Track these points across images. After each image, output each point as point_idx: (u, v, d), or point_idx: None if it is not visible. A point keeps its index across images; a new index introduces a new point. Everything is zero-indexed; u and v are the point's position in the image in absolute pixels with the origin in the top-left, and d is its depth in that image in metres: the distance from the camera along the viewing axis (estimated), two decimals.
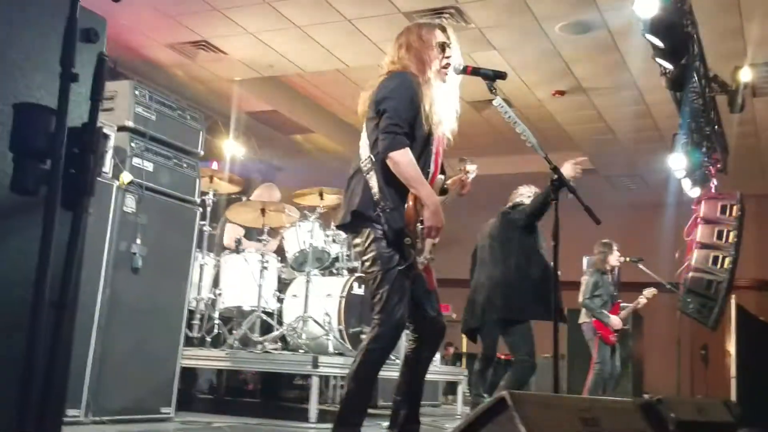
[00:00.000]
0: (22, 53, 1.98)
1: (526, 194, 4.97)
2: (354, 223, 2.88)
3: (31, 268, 1.56)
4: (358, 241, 2.90)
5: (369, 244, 2.82)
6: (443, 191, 3.14)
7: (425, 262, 2.90)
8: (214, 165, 7.96)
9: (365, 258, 2.85)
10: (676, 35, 4.70)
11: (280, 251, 5.80)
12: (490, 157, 10.15)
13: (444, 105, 2.97)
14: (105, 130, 2.40)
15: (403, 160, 2.77)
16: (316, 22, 6.69)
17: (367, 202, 2.83)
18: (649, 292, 6.99)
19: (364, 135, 2.93)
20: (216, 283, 5.43)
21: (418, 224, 2.81)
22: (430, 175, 2.96)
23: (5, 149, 1.73)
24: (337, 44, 7.17)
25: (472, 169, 3.35)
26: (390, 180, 2.81)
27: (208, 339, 5.14)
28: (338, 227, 3.05)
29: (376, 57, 7.19)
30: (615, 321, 6.48)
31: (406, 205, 2.79)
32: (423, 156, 2.91)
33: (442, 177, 3.11)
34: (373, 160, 2.84)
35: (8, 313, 1.82)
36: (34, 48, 1.99)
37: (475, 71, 3.06)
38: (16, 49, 1.96)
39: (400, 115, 2.82)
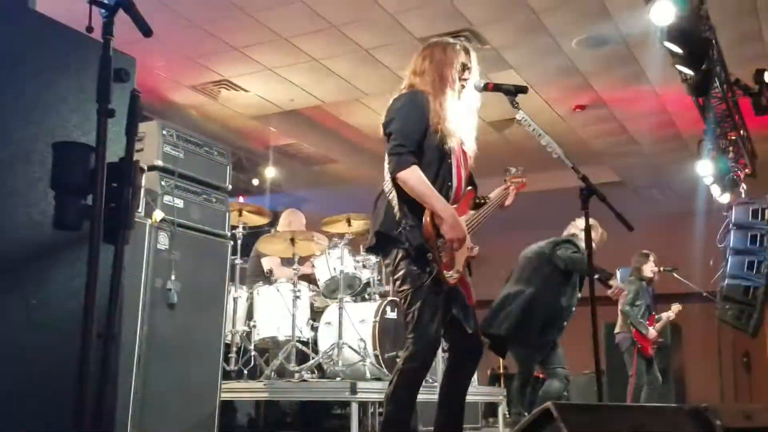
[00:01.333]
0: (56, 95, 2.05)
1: (579, 227, 4.99)
2: (380, 244, 2.89)
3: (77, 302, 1.60)
4: (387, 261, 2.91)
5: (398, 264, 2.83)
6: (479, 204, 3.13)
7: (456, 275, 2.87)
8: (241, 199, 8.06)
9: (396, 277, 2.86)
10: (694, 41, 4.70)
11: (311, 279, 5.82)
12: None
13: (460, 121, 2.96)
14: (141, 165, 2.45)
15: (411, 178, 2.77)
16: (334, 54, 6.79)
17: (390, 222, 2.84)
18: (675, 308, 6.90)
19: (386, 157, 2.95)
20: (250, 315, 5.46)
21: (440, 239, 2.79)
22: (454, 189, 2.94)
23: (46, 188, 1.78)
24: (354, 74, 7.27)
25: (517, 180, 3.37)
26: (407, 198, 2.81)
27: (246, 371, 5.16)
28: (366, 250, 3.09)
29: (394, 84, 7.19)
30: (653, 333, 6.39)
31: (424, 221, 2.78)
32: (441, 171, 2.90)
33: (471, 189, 3.10)
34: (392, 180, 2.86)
35: (58, 346, 1.86)
36: (69, 90, 2.06)
37: (497, 87, 3.09)
38: (52, 92, 2.03)
39: (405, 135, 2.82)
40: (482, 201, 3.15)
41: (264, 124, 8.69)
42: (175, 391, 3.83)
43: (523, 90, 3.12)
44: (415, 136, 2.84)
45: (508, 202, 3.23)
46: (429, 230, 2.77)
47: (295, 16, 6.06)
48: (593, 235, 5.03)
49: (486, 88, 3.10)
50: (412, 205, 2.81)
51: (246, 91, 7.69)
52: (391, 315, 5.31)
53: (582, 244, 4.64)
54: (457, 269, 2.89)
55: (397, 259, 2.83)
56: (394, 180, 2.82)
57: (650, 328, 6.41)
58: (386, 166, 2.92)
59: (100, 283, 1.60)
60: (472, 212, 3.09)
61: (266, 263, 5.92)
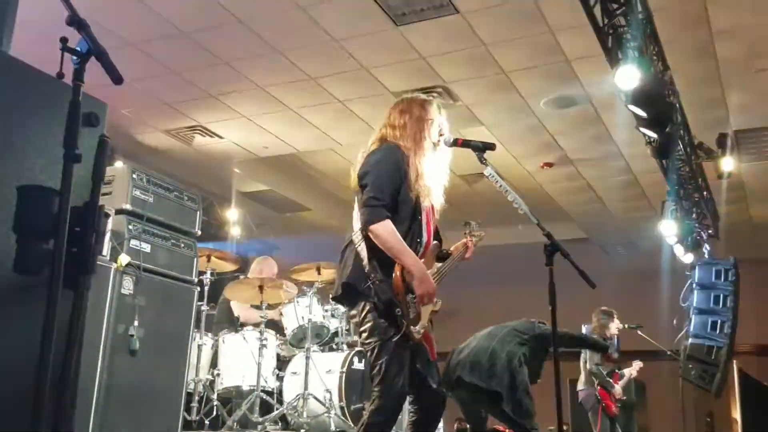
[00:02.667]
0: (24, 138, 2.06)
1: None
2: (347, 295, 2.88)
3: (34, 349, 1.58)
4: (354, 312, 2.91)
5: (364, 316, 2.82)
6: (442, 257, 3.17)
7: (422, 331, 2.88)
8: (211, 245, 8.01)
9: (362, 329, 2.85)
10: (658, 105, 4.86)
11: (277, 327, 5.77)
12: (483, 228, 10.25)
13: (433, 176, 3.01)
14: (106, 210, 2.43)
15: (383, 231, 2.78)
16: (309, 104, 6.88)
17: (358, 274, 2.83)
18: (636, 365, 6.95)
19: (356, 207, 2.97)
20: (214, 363, 5.38)
21: (409, 294, 2.81)
22: (423, 244, 2.98)
23: (8, 230, 1.77)
24: (330, 125, 7.36)
25: (477, 234, 3.41)
26: (377, 251, 2.82)
27: (207, 422, 5.05)
28: (333, 299, 3.05)
29: (368, 135, 7.32)
30: (618, 390, 6.42)
31: (394, 276, 2.79)
32: (412, 226, 2.93)
33: (437, 243, 3.14)
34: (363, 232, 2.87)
35: (11, 394, 1.82)
36: (36, 133, 2.07)
37: (466, 143, 3.16)
38: (19, 135, 2.03)
39: (379, 188, 2.84)
40: (446, 254, 3.19)
41: (237, 170, 8.72)
42: None
43: (491, 147, 3.20)
44: (390, 190, 2.87)
45: (468, 255, 3.26)
46: (399, 285, 2.78)
47: (272, 66, 6.15)
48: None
49: (456, 143, 3.18)
50: (382, 258, 2.81)
51: (220, 137, 7.73)
52: (359, 366, 5.27)
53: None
54: (423, 324, 2.90)
55: (365, 312, 2.82)
56: (365, 232, 2.83)
57: (615, 386, 6.44)
58: (355, 216, 2.95)
59: (60, 328, 1.59)
60: (437, 265, 3.14)
61: (236, 307, 5.87)
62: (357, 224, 2.92)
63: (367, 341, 2.82)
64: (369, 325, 2.80)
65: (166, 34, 5.73)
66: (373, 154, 2.99)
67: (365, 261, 2.82)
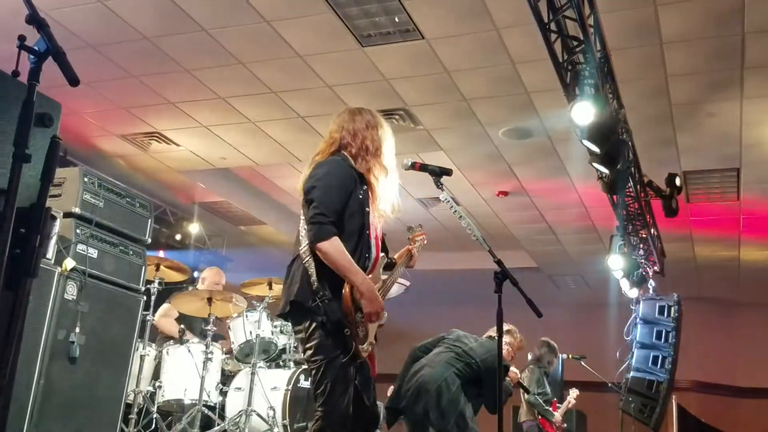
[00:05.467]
0: None
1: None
2: (294, 312, 2.82)
3: None
4: (299, 328, 2.83)
5: (311, 333, 2.76)
6: (388, 266, 3.16)
7: (369, 349, 2.87)
8: (162, 253, 7.89)
9: (308, 346, 2.78)
10: (611, 141, 4.98)
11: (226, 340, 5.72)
12: (438, 252, 10.33)
13: (382, 194, 2.99)
14: (53, 212, 2.39)
15: (331, 249, 2.73)
16: (270, 117, 6.87)
17: (306, 291, 2.77)
18: (573, 393, 7.05)
19: (302, 221, 2.90)
20: (156, 374, 5.28)
21: (358, 313, 2.78)
22: (372, 260, 2.95)
23: None
24: (289, 139, 7.34)
25: (419, 237, 3.43)
26: (326, 269, 2.76)
27: None
28: (279, 316, 2.96)
29: None
30: (558, 417, 6.49)
31: (343, 294, 2.75)
32: (360, 242, 2.89)
33: (384, 255, 3.13)
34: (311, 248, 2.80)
35: None
36: None
37: (423, 167, 3.21)
38: None
39: (326, 205, 2.78)
40: (392, 262, 3.20)
41: (193, 179, 8.62)
42: None
43: (447, 172, 3.25)
44: (337, 206, 2.81)
45: (412, 263, 3.26)
46: (348, 305, 2.75)
47: (234, 77, 6.13)
48: (511, 339, 5.13)
49: (413, 166, 3.22)
50: (330, 276, 2.77)
51: (177, 145, 7.65)
52: (305, 384, 5.23)
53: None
54: (370, 341, 2.89)
55: (311, 329, 2.76)
56: (312, 249, 2.78)
57: (555, 413, 6.52)
58: (302, 231, 2.88)
59: None
60: (383, 277, 3.13)
61: (158, 316, 5.72)
62: (304, 239, 2.86)
63: (313, 359, 2.77)
64: (315, 342, 2.75)
65: (128, 39, 5.67)
66: (320, 166, 2.93)
67: (313, 278, 2.76)
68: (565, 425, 6.78)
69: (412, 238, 3.43)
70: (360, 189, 2.91)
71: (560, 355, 7.67)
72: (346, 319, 2.75)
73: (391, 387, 4.95)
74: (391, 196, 3.05)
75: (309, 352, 2.79)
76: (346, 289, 2.75)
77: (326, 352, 2.74)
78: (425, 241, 3.37)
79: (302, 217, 2.92)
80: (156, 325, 5.71)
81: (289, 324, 5.42)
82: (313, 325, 2.76)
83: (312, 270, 2.78)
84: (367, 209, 2.93)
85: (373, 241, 2.96)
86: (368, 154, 2.97)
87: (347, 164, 2.93)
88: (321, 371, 2.74)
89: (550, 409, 6.52)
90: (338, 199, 2.83)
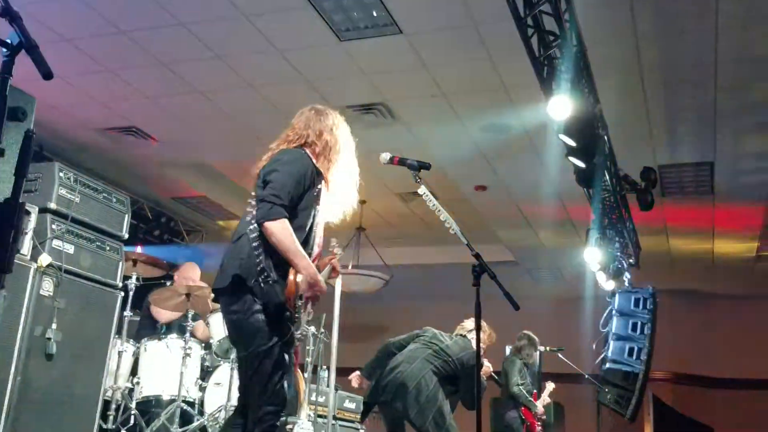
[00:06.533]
0: None
1: (467, 327, 5.10)
2: (233, 289, 2.78)
3: None
4: (236, 308, 2.78)
5: (249, 316, 2.74)
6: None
7: (301, 336, 2.94)
8: (139, 249, 7.83)
9: (243, 330, 2.76)
10: (587, 136, 5.04)
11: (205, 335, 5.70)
12: (416, 246, 10.37)
13: (339, 196, 3.09)
14: (27, 207, 2.36)
15: (279, 229, 2.76)
16: (249, 110, 6.84)
17: (251, 269, 2.77)
18: (550, 386, 7.14)
19: (251, 203, 2.95)
20: (135, 371, 5.25)
21: (299, 300, 2.80)
22: (312, 257, 2.98)
23: None
24: (268, 133, 7.27)
25: (338, 252, 3.50)
26: (273, 251, 2.78)
27: (124, 431, 4.92)
28: (216, 290, 2.90)
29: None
30: (540, 408, 6.57)
31: (288, 279, 2.76)
32: (307, 238, 2.92)
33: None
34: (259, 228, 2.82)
35: None
36: None
37: (402, 161, 3.24)
38: None
39: (283, 188, 2.83)
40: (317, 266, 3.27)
41: (170, 174, 8.56)
42: None
43: (426, 166, 3.28)
44: (293, 194, 2.86)
45: (333, 275, 3.26)
46: (292, 290, 2.77)
47: (211, 70, 6.09)
48: (483, 336, 5.19)
49: (392, 161, 3.25)
50: (277, 259, 2.78)
51: (154, 139, 7.59)
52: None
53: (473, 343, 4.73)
54: (302, 330, 2.94)
55: (249, 312, 2.74)
56: (260, 229, 2.80)
57: (537, 404, 6.60)
58: (250, 210, 2.91)
59: None
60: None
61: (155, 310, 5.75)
62: (249, 219, 2.89)
63: (251, 344, 2.74)
64: (254, 327, 2.74)
65: (104, 32, 5.61)
66: (285, 153, 3.00)
67: (261, 258, 2.77)
68: (545, 417, 6.86)
69: (333, 251, 3.51)
70: (315, 187, 2.98)
71: (539, 348, 7.74)
72: (287, 303, 2.76)
73: (356, 372, 4.99)
74: (347, 198, 3.15)
75: (245, 336, 2.76)
76: (291, 274, 2.78)
77: (264, 338, 2.73)
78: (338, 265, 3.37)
79: (251, 201, 2.95)
80: (155, 318, 5.73)
81: None
82: (254, 307, 2.74)
83: (260, 250, 2.79)
84: (317, 208, 3.00)
85: (317, 240, 3.02)
86: (330, 155, 3.05)
87: (310, 160, 3.01)
88: (260, 357, 2.73)
89: (531, 399, 6.60)
90: (294, 187, 2.88)
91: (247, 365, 2.80)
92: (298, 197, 2.88)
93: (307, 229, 2.93)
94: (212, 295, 5.29)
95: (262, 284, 2.74)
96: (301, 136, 3.08)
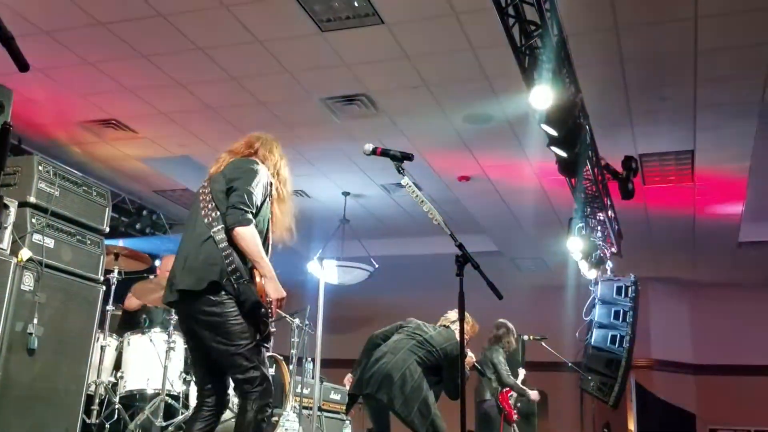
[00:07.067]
0: None
1: (451, 318, 5.13)
2: (209, 291, 2.92)
3: None
4: (216, 310, 2.92)
5: (231, 317, 2.92)
6: None
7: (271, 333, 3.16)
8: (121, 242, 7.78)
9: (228, 330, 2.92)
10: (568, 125, 5.06)
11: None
12: (401, 238, 10.39)
13: (281, 218, 3.27)
14: (5, 201, 2.34)
15: (249, 235, 2.96)
16: (229, 103, 6.80)
17: (223, 272, 2.93)
18: (522, 374, 7.20)
19: (208, 205, 3.08)
20: (118, 365, 5.22)
21: (268, 299, 2.99)
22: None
23: None
24: (250, 126, 7.21)
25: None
26: (241, 254, 2.97)
27: (107, 425, 4.89)
28: (182, 291, 2.99)
29: (289, 139, 7.35)
30: (534, 394, 6.65)
31: (255, 281, 2.98)
32: (265, 242, 3.13)
33: None
34: (227, 232, 2.99)
35: None
36: None
37: (385, 152, 3.25)
38: None
39: (250, 197, 3.03)
40: None
41: (152, 167, 8.50)
42: None
43: (408, 157, 3.28)
44: (258, 203, 3.07)
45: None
46: (262, 289, 2.98)
47: (191, 62, 6.04)
48: (466, 327, 5.21)
49: (374, 152, 3.26)
50: (245, 262, 2.98)
51: (135, 132, 7.52)
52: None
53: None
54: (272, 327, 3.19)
55: (233, 313, 2.92)
56: (228, 233, 2.97)
57: (530, 391, 6.65)
58: (210, 214, 3.05)
59: None
60: None
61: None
62: (216, 222, 3.02)
63: (235, 343, 2.92)
64: (238, 328, 2.92)
65: (82, 24, 5.55)
66: (249, 162, 3.20)
67: (230, 259, 2.93)
68: (519, 405, 6.91)
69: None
70: (271, 196, 3.24)
71: (522, 337, 7.80)
72: (261, 301, 2.97)
73: (349, 375, 5.00)
74: (286, 223, 3.31)
75: (227, 336, 2.92)
76: (257, 276, 3.00)
77: (247, 337, 2.94)
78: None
79: (207, 204, 3.09)
80: (125, 307, 5.74)
81: None
82: (233, 308, 2.92)
83: (229, 251, 2.95)
84: (270, 220, 3.22)
85: (270, 250, 3.22)
86: (278, 177, 3.30)
87: (270, 179, 3.23)
88: (248, 355, 2.93)
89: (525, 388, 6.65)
90: (259, 198, 3.10)
91: (230, 364, 2.96)
92: (259, 208, 3.10)
93: (264, 237, 3.14)
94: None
95: (235, 284, 2.92)
96: (256, 152, 3.32)
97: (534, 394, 6.76)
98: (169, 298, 3.05)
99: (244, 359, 2.91)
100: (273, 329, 3.12)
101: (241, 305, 2.91)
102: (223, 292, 2.91)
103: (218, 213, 3.03)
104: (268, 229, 3.17)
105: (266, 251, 3.11)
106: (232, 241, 2.96)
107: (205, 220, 3.04)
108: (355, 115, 6.79)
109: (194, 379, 3.61)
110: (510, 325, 6.77)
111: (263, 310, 2.96)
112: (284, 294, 3.03)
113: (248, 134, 3.46)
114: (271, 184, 3.24)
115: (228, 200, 3.04)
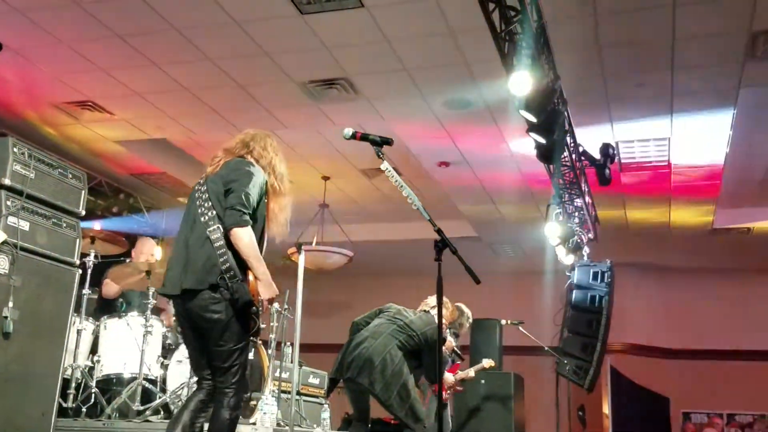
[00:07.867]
0: None
1: (430, 304, 5.15)
2: (209, 290, 3.02)
3: None
4: (217, 308, 3.02)
5: (230, 317, 3.03)
6: None
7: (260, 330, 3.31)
8: (97, 225, 7.70)
9: (219, 326, 3.02)
10: (547, 112, 5.09)
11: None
12: (380, 223, 10.39)
13: (278, 214, 3.34)
14: None
15: (248, 237, 3.04)
16: (207, 85, 6.73)
17: (217, 272, 3.02)
18: (486, 363, 7.21)
19: (205, 204, 3.15)
20: (95, 349, 5.19)
21: (259, 297, 3.09)
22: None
23: None
24: (228, 108, 7.22)
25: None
26: (236, 254, 3.05)
27: (84, 409, 4.87)
28: (185, 291, 3.08)
29: (268, 122, 7.30)
30: (451, 379, 6.63)
31: (248, 280, 3.07)
32: (260, 242, 3.20)
33: None
34: (222, 232, 3.06)
35: None
36: None
37: (364, 137, 3.25)
38: None
39: (248, 199, 3.10)
40: None
41: (129, 149, 8.40)
42: (3, 428, 3.56)
43: (388, 142, 3.28)
44: (255, 204, 3.15)
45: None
46: (254, 288, 3.07)
47: (168, 42, 5.97)
48: (445, 312, 5.24)
49: (354, 136, 3.26)
50: (239, 262, 3.05)
51: (111, 113, 7.43)
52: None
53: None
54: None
55: (231, 312, 3.02)
56: (225, 233, 3.04)
57: (448, 374, 6.62)
58: (207, 213, 3.12)
59: None
60: None
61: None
62: (212, 221, 3.09)
63: (231, 341, 3.04)
64: (236, 326, 3.04)
65: (57, 4, 5.45)
66: (246, 164, 3.25)
67: (225, 258, 3.01)
68: (460, 388, 6.93)
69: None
70: (267, 197, 3.30)
71: (500, 321, 7.87)
72: (253, 299, 3.06)
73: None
74: (282, 218, 3.37)
75: (225, 333, 3.03)
76: (250, 275, 3.08)
77: (241, 334, 3.07)
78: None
79: (204, 203, 3.16)
80: (104, 294, 5.70)
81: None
82: (230, 307, 3.02)
83: (224, 250, 3.03)
84: (266, 217, 3.29)
85: (264, 245, 3.29)
86: (274, 173, 3.33)
87: (265, 181, 3.28)
88: (235, 351, 3.06)
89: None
90: (256, 200, 3.17)
91: (217, 356, 3.07)
92: (255, 209, 3.17)
93: (259, 238, 3.20)
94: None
95: (230, 283, 2.99)
96: (250, 151, 3.35)
97: (448, 377, 6.74)
98: (169, 291, 3.16)
99: (231, 354, 3.04)
100: (263, 325, 3.21)
101: (234, 303, 3.00)
102: (219, 290, 3.01)
103: (214, 213, 3.11)
104: (264, 226, 3.26)
105: (261, 247, 3.20)
106: (228, 241, 3.04)
107: (202, 219, 3.12)
108: (335, 99, 6.76)
109: (191, 366, 3.75)
110: (464, 308, 6.72)
111: (254, 307, 3.06)
112: (277, 292, 3.12)
113: (243, 132, 3.48)
114: (266, 182, 3.29)
115: (226, 201, 3.11)
